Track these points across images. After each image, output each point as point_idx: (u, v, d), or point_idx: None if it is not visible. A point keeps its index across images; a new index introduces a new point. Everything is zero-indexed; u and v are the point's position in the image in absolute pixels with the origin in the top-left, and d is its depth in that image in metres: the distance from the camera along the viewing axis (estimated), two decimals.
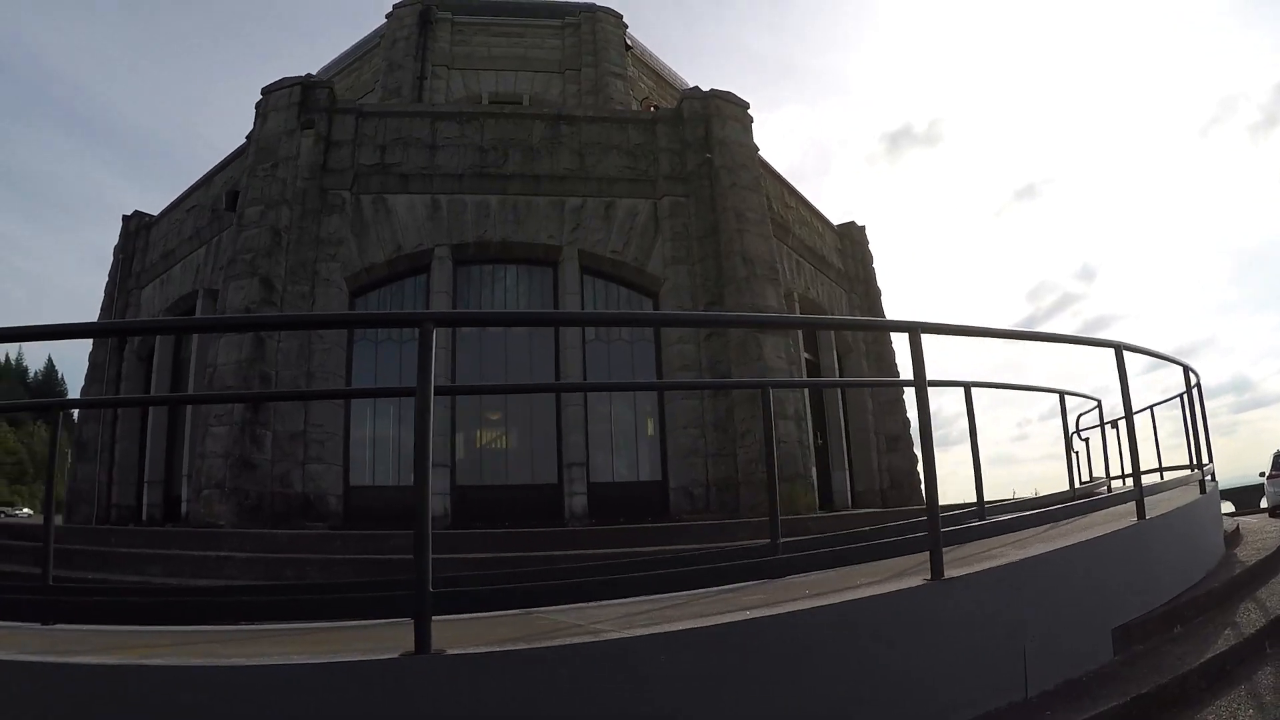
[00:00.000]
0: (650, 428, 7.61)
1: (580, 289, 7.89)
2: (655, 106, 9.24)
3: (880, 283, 13.07)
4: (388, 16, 10.78)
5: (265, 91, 7.81)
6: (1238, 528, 5.64)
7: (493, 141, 7.92)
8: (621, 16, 12.02)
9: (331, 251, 7.33)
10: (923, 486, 2.83)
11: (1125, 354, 3.62)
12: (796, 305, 9.62)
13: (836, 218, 12.62)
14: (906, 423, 12.13)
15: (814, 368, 10.60)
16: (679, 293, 7.63)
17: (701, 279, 7.63)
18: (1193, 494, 4.41)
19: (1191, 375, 4.91)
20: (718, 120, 8.22)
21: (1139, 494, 3.49)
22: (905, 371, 12.95)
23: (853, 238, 12.60)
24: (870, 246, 12.98)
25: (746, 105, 8.70)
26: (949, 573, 2.31)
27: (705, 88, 8.79)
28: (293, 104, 7.65)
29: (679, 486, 7.21)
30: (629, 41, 11.92)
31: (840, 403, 10.90)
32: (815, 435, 10.41)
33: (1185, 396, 4.95)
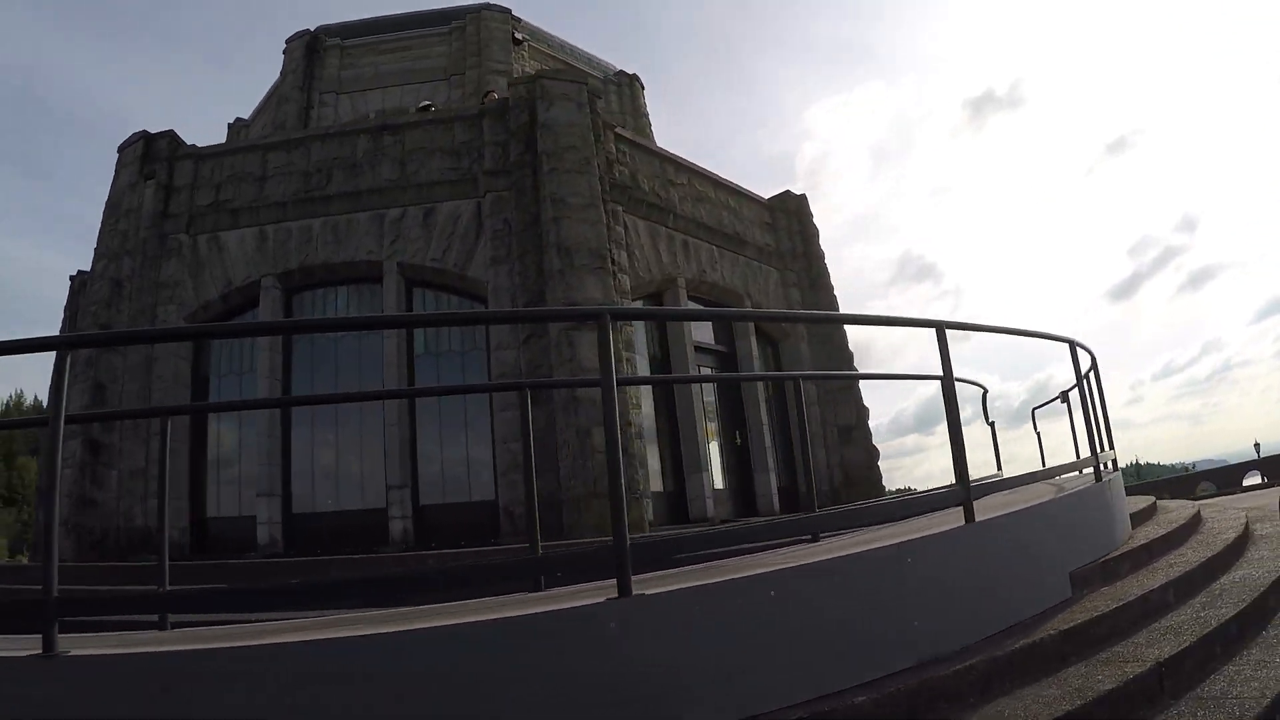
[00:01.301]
0: (482, 444, 7.44)
1: (406, 302, 7.89)
2: (493, 97, 9.04)
3: (824, 252, 12.01)
4: (284, 52, 11.37)
5: (120, 149, 8.46)
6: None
7: (317, 164, 8.12)
8: (509, 11, 11.93)
9: (169, 294, 7.82)
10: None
11: (948, 333, 3.22)
12: (681, 291, 9.08)
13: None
14: (861, 410, 11.09)
15: (726, 359, 9.96)
16: (499, 295, 7.43)
17: (521, 277, 7.38)
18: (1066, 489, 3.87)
19: (1080, 352, 4.46)
20: (543, 103, 7.93)
21: (966, 495, 2.87)
22: (859, 353, 11.85)
23: (788, 210, 11.70)
24: (813, 217, 11.98)
25: (582, 82, 8.32)
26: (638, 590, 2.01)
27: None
28: (137, 157, 8.24)
29: (504, 506, 7.00)
30: (518, 36, 11.79)
31: (765, 395, 10.14)
32: (735, 436, 9.79)
33: (1077, 377, 4.49)
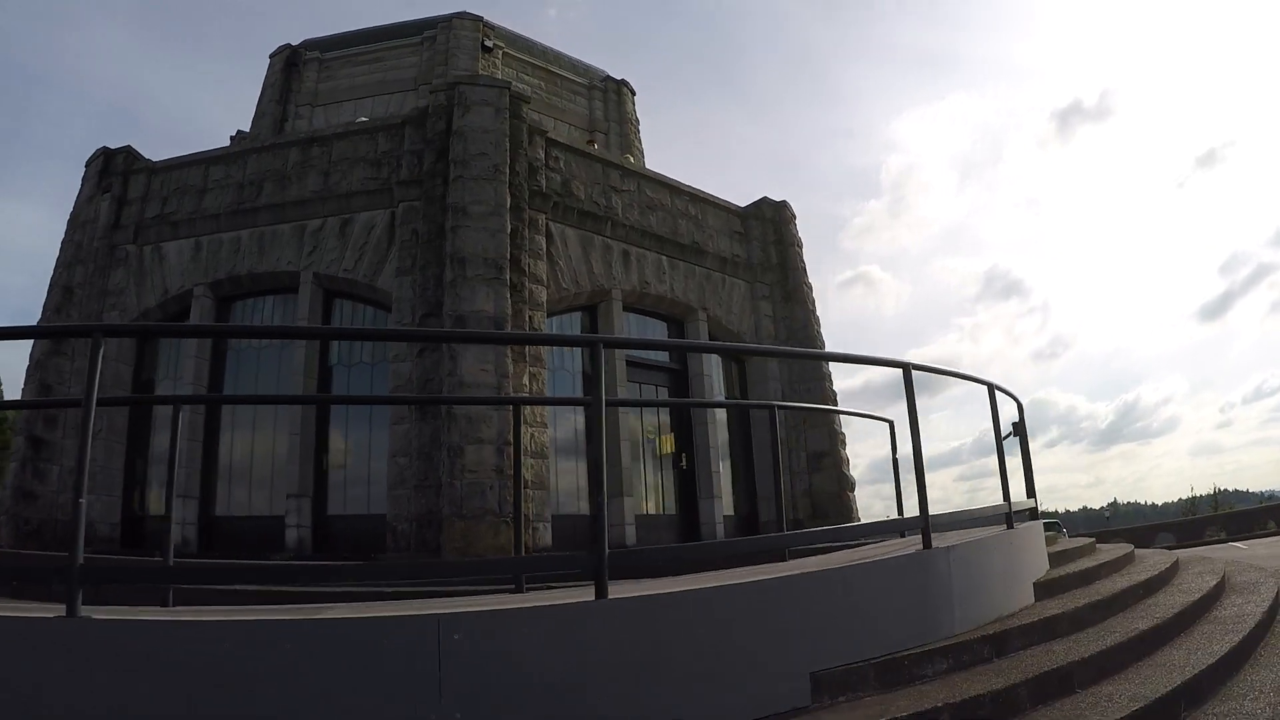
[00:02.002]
0: (383, 458, 7.50)
1: (324, 313, 8.09)
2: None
3: (805, 266, 11.40)
4: (268, 66, 12.00)
5: (86, 164, 9.16)
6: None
7: (251, 177, 8.47)
8: (481, 20, 12.07)
9: (114, 301, 8.37)
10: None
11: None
12: (615, 303, 8.86)
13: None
14: (835, 436, 10.44)
15: (678, 377, 9.64)
16: (402, 306, 7.49)
17: (421, 288, 7.40)
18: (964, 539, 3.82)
19: (996, 395, 4.66)
20: (460, 109, 7.93)
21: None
22: (838, 377, 11.15)
23: (764, 218, 11.21)
24: (794, 226, 11.41)
25: (504, 86, 8.28)
26: None
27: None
28: (96, 171, 8.88)
29: (390, 521, 7.02)
30: (487, 43, 11.89)
31: (724, 416, 9.74)
32: (679, 458, 9.45)
33: (994, 422, 4.65)
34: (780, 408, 5.32)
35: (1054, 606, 4.01)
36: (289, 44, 12.08)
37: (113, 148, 9.06)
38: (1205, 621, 4.32)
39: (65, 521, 7.66)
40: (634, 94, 14.73)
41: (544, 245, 8.30)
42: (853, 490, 10.37)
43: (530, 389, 7.52)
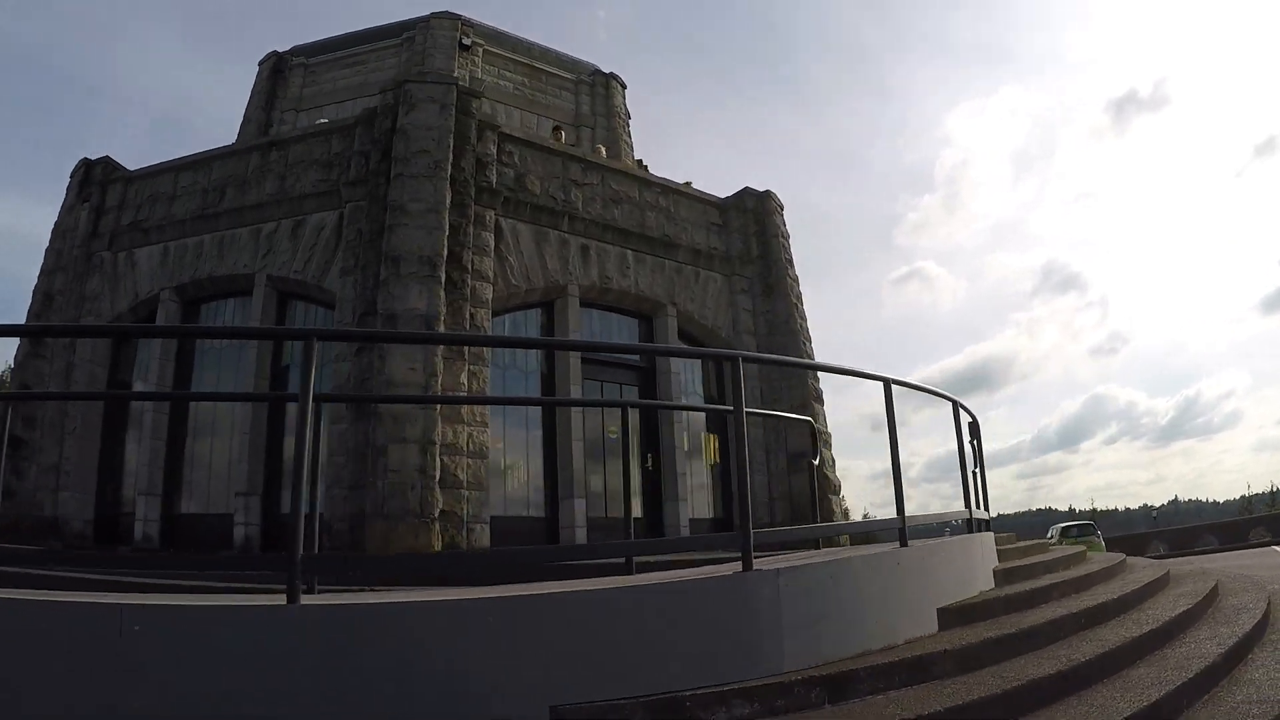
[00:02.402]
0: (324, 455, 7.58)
1: (279, 313, 8.26)
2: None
3: (791, 257, 11.01)
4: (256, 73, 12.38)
5: (70, 175, 9.63)
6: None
7: (215, 182, 8.73)
8: (460, 18, 12.13)
9: (91, 307, 8.78)
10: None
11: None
12: (572, 299, 8.74)
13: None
14: (818, 437, 10.00)
15: (645, 375, 9.46)
16: (344, 306, 7.57)
17: (360, 287, 7.46)
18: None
19: (962, 413, 5.02)
20: (404, 107, 7.97)
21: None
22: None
23: (745, 209, 10.89)
24: (778, 217, 11.04)
25: (450, 83, 8.27)
26: None
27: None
28: (77, 182, 9.34)
29: (328, 521, 7.09)
30: (465, 41, 11.94)
31: (695, 418, 9.49)
32: (645, 459, 9.26)
33: (957, 435, 5.00)
34: (749, 413, 5.03)
35: (951, 640, 3.49)
36: (276, 50, 12.45)
37: (93, 159, 9.48)
38: (1147, 663, 3.70)
39: (39, 518, 8.07)
40: (624, 88, 14.57)
41: (492, 241, 8.24)
42: (836, 493, 9.93)
43: (470, 388, 7.47)
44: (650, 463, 9.19)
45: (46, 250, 9.33)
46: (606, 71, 14.31)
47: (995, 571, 4.86)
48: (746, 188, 11.34)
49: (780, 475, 9.90)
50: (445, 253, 7.53)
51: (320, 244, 8.04)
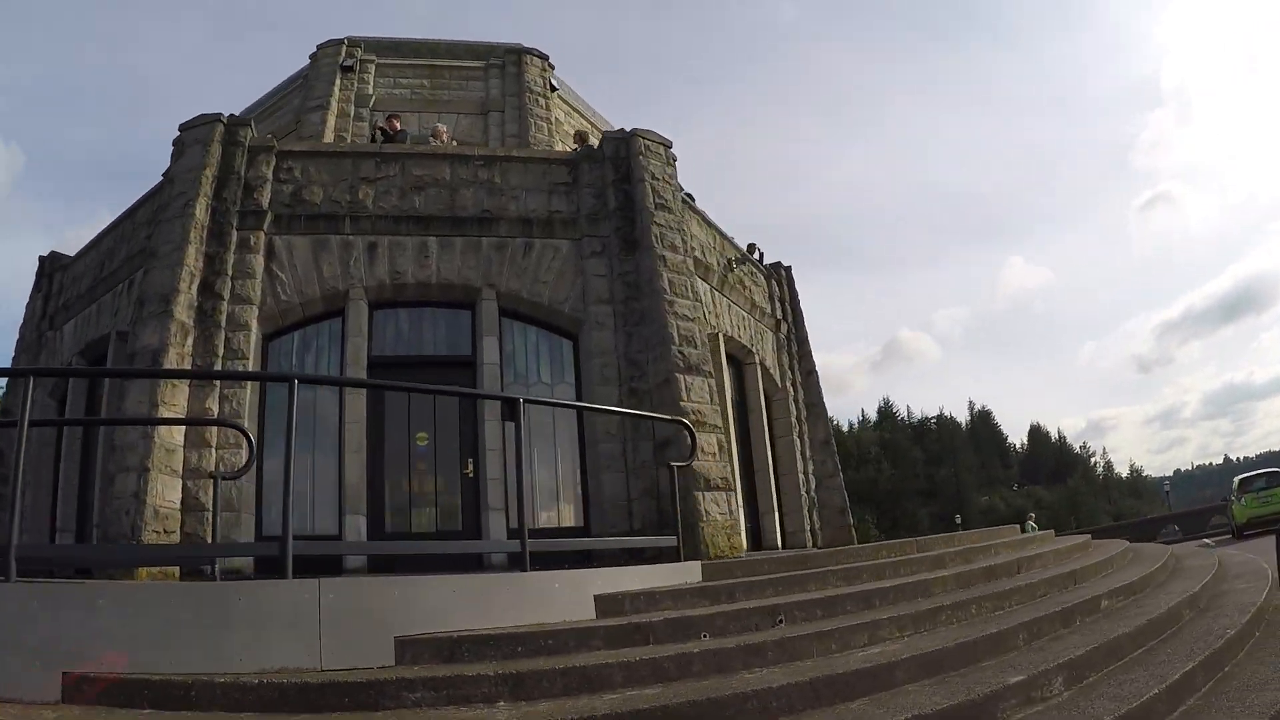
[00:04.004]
0: None
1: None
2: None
3: (666, 200, 9.62)
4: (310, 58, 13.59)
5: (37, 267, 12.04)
6: None
7: (107, 250, 10.26)
8: (344, 41, 12.62)
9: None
10: None
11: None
12: (359, 303, 8.72)
13: None
14: (695, 436, 8.71)
15: (464, 367, 9.06)
16: (118, 354, 8.44)
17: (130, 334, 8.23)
18: None
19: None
20: (176, 154, 8.74)
21: None
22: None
23: (602, 159, 9.98)
24: (646, 157, 9.80)
25: (216, 119, 8.76)
26: None
27: None
28: (37, 273, 11.64)
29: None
30: (347, 63, 12.40)
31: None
32: (465, 465, 8.86)
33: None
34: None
35: None
36: (340, 40, 13.41)
37: (44, 254, 11.77)
38: None
39: None
40: (544, 59, 13.95)
41: (261, 262, 8.53)
42: (705, 490, 8.32)
43: (222, 411, 7.78)
44: (470, 469, 8.65)
45: (18, 337, 11.79)
46: (520, 47, 13.83)
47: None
48: (605, 134, 10.13)
49: (644, 470, 8.65)
50: (189, 286, 7.94)
51: (130, 302, 8.95)
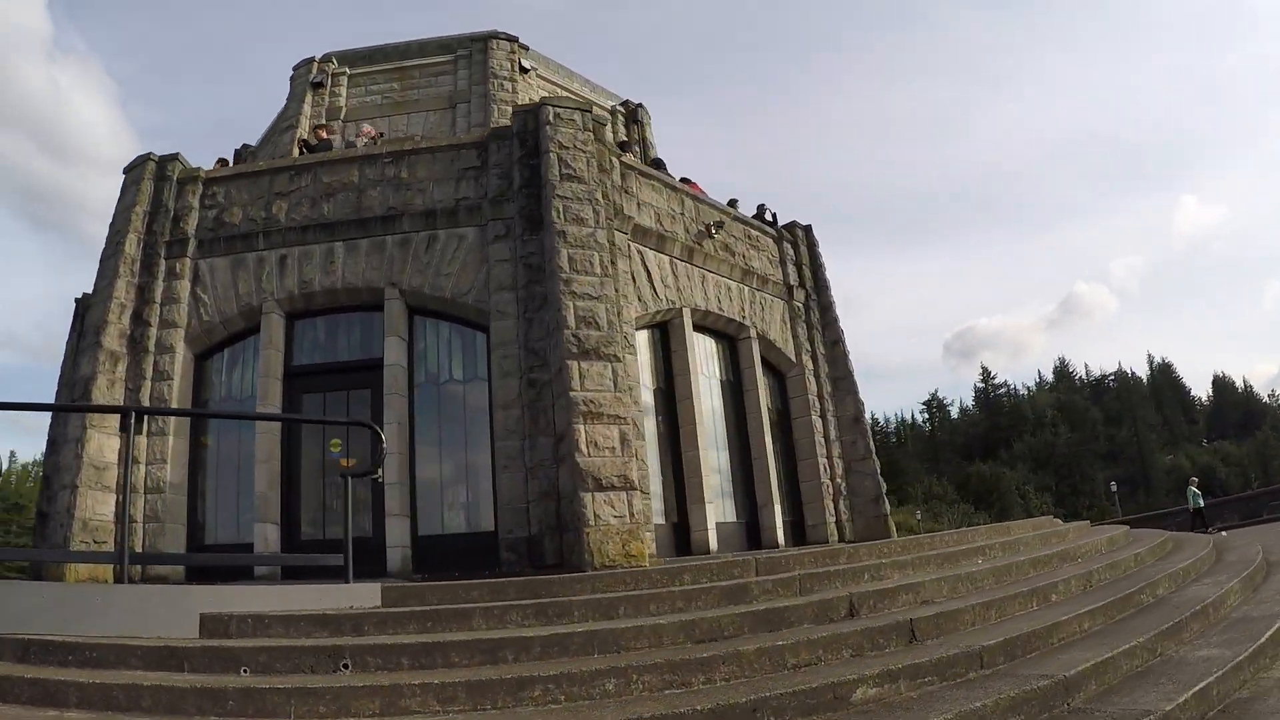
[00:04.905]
0: None
1: None
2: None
3: (576, 170, 9.08)
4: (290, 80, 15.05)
5: None
6: None
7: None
8: (314, 59, 13.28)
9: None
10: None
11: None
12: (271, 317, 9.20)
13: None
14: (573, 408, 8.21)
15: (373, 371, 9.19)
16: None
17: None
18: None
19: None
20: (118, 200, 9.69)
21: None
22: None
23: (511, 136, 9.56)
24: (555, 126, 9.33)
25: (145, 159, 9.63)
26: None
27: None
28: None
29: None
30: (315, 79, 13.02)
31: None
32: (375, 471, 9.04)
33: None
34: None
35: None
36: (312, 57, 14.68)
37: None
38: None
39: None
40: (513, 41, 13.69)
41: (188, 287, 9.28)
42: (596, 490, 7.61)
43: (150, 429, 8.56)
44: (380, 475, 8.69)
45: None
46: (489, 34, 13.69)
47: None
48: (516, 107, 9.70)
49: (541, 468, 8.21)
50: (119, 317, 8.84)
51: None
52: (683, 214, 11.12)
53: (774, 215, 13.77)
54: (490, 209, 9.24)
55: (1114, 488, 35.14)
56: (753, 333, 11.72)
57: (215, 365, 9.46)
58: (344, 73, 13.87)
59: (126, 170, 10.01)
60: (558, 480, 8.13)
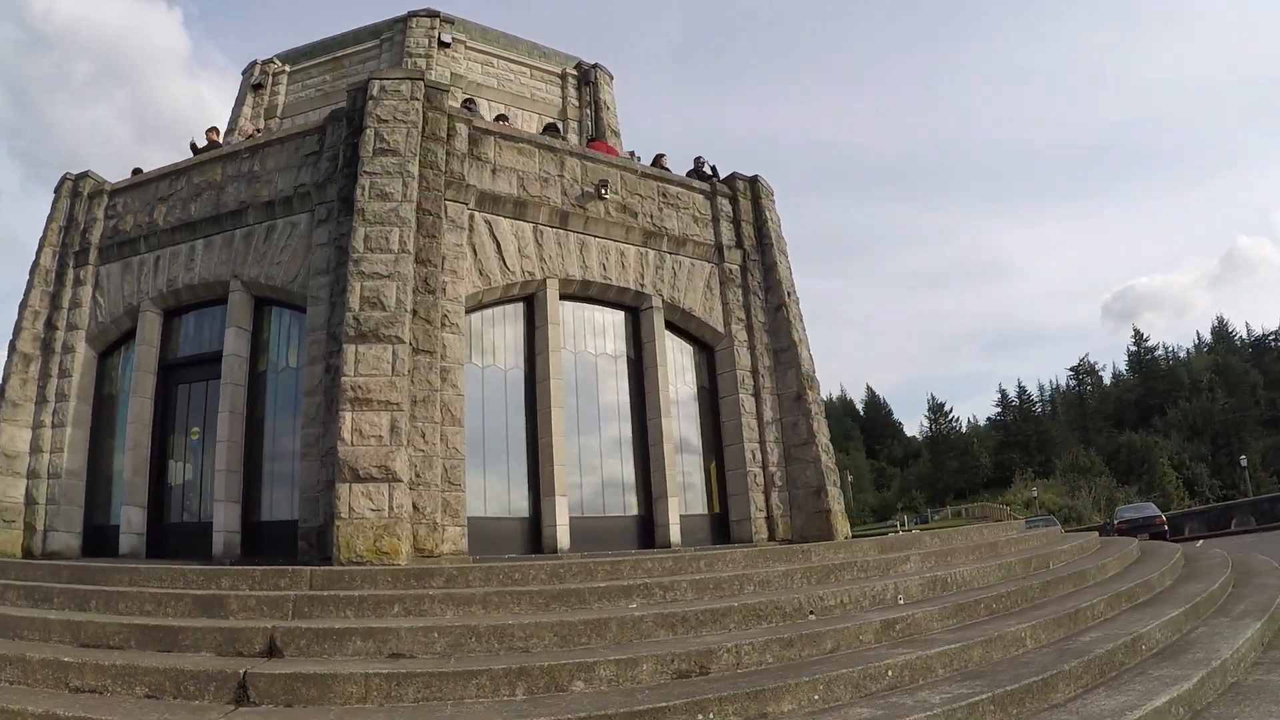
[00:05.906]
0: None
1: None
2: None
3: (388, 143, 8.99)
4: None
5: None
6: None
7: None
8: (256, 62, 14.17)
9: None
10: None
11: None
12: (146, 315, 10.08)
13: None
14: (338, 392, 8.21)
15: (232, 363, 9.81)
16: None
17: None
18: None
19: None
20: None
21: None
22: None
23: (340, 118, 9.61)
24: (379, 101, 9.24)
25: (66, 177, 10.92)
26: None
27: None
28: None
29: None
30: (254, 81, 13.90)
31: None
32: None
33: None
34: None
35: None
36: (255, 60, 16.32)
37: None
38: None
39: None
40: (434, 16, 13.65)
41: (89, 293, 10.46)
42: (354, 481, 7.46)
43: (54, 421, 9.82)
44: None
45: None
46: (409, 14, 13.75)
47: None
48: (350, 86, 9.69)
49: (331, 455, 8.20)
50: (34, 323, 10.23)
51: None
52: (560, 176, 10.40)
53: (713, 168, 12.44)
54: (316, 194, 9.33)
55: (1243, 462, 27.94)
56: (657, 302, 10.73)
57: (114, 362, 10.59)
58: (284, 71, 14.70)
59: (55, 190, 11.48)
60: (319, 472, 8.07)
